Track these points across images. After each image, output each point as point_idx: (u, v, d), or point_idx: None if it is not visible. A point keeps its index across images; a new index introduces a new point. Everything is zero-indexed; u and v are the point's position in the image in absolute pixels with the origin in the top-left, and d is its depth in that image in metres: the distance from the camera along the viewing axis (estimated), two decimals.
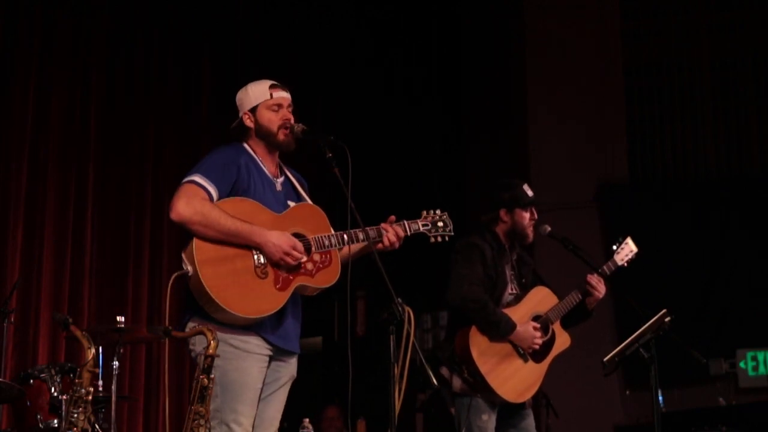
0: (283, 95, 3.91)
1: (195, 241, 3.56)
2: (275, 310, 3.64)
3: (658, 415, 4.46)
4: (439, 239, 4.08)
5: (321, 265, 3.75)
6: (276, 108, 3.87)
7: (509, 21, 10.50)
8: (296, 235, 3.71)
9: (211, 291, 3.50)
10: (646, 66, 10.10)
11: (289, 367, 3.83)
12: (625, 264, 4.99)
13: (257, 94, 3.89)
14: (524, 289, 4.88)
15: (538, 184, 9.77)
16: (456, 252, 4.77)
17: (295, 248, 3.63)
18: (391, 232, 3.86)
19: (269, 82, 3.91)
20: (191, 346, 3.66)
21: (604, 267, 4.92)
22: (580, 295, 4.84)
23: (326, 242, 3.76)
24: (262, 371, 3.67)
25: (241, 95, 3.93)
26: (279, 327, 3.71)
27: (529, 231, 4.87)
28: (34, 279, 7.06)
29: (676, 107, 9.98)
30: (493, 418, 4.66)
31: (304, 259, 3.68)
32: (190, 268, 3.54)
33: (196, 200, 3.57)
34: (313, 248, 3.72)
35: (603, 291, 4.83)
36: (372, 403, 4.91)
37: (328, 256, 3.78)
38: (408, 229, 3.97)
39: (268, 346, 3.68)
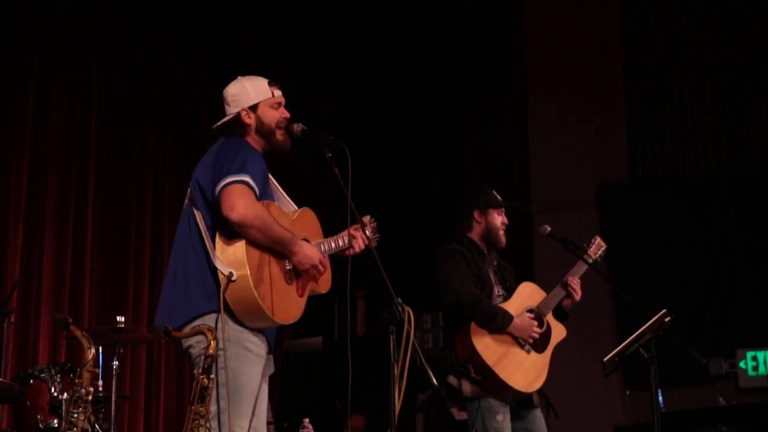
0: (280, 93, 3.87)
1: (246, 246, 3.50)
2: (300, 317, 3.67)
3: (658, 415, 4.46)
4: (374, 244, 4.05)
5: (317, 274, 3.77)
6: (276, 106, 3.84)
7: (509, 21, 10.50)
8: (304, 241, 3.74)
9: (260, 298, 3.47)
10: (646, 66, 10.10)
11: (270, 364, 3.83)
12: (599, 259, 5.07)
13: (258, 91, 3.82)
14: (510, 293, 4.93)
15: (538, 184, 9.83)
16: (439, 259, 4.85)
17: (322, 262, 3.68)
18: (359, 239, 3.87)
19: (266, 80, 3.87)
20: (193, 343, 3.60)
21: (577, 266, 4.96)
22: (562, 291, 4.89)
23: (323, 248, 3.79)
24: (261, 373, 3.67)
25: (236, 90, 3.83)
26: (273, 330, 3.75)
27: (501, 234, 4.95)
28: (34, 279, 7.06)
29: (676, 107, 9.97)
30: (507, 417, 4.69)
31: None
32: (234, 272, 3.48)
33: (256, 203, 3.51)
34: None
35: (580, 294, 4.90)
36: (372, 403, 4.92)
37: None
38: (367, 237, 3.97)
39: (267, 348, 3.69)
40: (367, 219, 4.04)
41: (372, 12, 10.04)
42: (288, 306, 3.60)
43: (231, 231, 3.52)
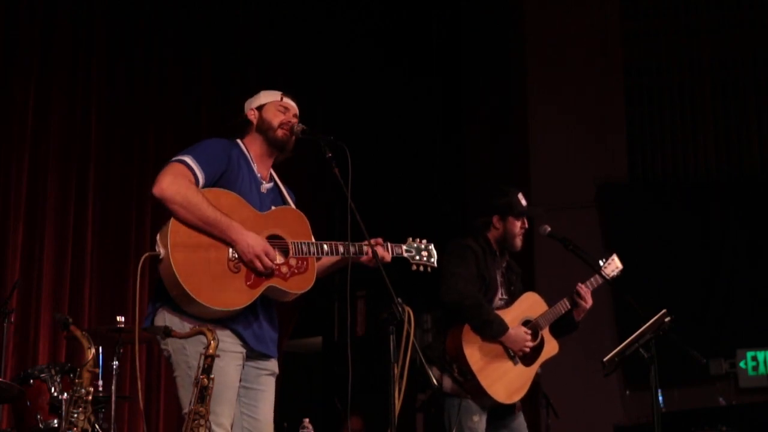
0: (292, 103, 3.94)
1: (172, 223, 3.48)
2: (243, 306, 3.57)
3: (658, 415, 4.46)
4: (421, 268, 4.04)
5: (296, 271, 3.69)
6: (282, 110, 3.88)
7: (509, 21, 10.50)
8: (275, 237, 3.68)
9: (179, 276, 3.42)
10: (646, 66, 10.10)
11: (270, 365, 3.79)
12: (611, 279, 5.02)
13: (268, 95, 3.92)
14: (512, 296, 4.91)
15: (538, 184, 9.83)
16: (449, 252, 4.80)
17: (267, 254, 3.57)
18: (380, 251, 3.82)
19: (281, 91, 3.96)
20: (163, 346, 3.61)
21: (592, 279, 4.94)
22: (568, 304, 4.86)
23: (305, 249, 3.71)
24: (238, 369, 3.62)
25: (250, 99, 3.96)
26: (253, 329, 3.67)
27: (518, 240, 4.92)
28: (34, 279, 7.06)
29: (676, 107, 9.98)
30: (484, 419, 4.68)
31: (280, 261, 3.64)
32: (162, 251, 3.47)
33: (182, 180, 3.51)
34: (291, 252, 3.68)
35: (590, 303, 4.87)
36: (372, 403, 4.92)
37: (305, 262, 3.72)
38: (391, 252, 3.94)
39: (242, 343, 3.63)
40: (421, 241, 4.02)
41: (372, 12, 10.04)
42: (223, 292, 3.51)
43: (168, 213, 3.53)
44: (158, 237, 3.53)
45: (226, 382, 3.55)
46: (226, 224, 3.53)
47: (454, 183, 10.32)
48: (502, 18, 10.55)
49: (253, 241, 3.55)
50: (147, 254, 3.49)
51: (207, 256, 3.52)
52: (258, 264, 3.55)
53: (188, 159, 3.57)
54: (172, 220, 3.50)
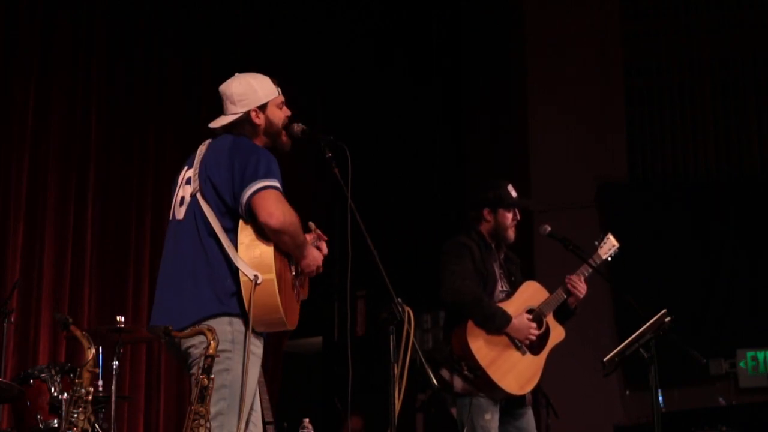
0: (280, 91, 3.82)
1: (274, 251, 3.46)
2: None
3: (658, 415, 4.46)
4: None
5: (304, 281, 3.77)
6: (281, 106, 3.78)
7: (509, 21, 10.50)
8: None
9: (282, 304, 3.44)
10: (646, 66, 10.11)
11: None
12: (609, 258, 5.03)
13: (266, 90, 3.73)
14: (514, 287, 4.92)
15: (538, 184, 9.84)
16: (445, 252, 4.82)
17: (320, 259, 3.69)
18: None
19: (269, 78, 3.79)
20: (195, 343, 3.50)
21: (590, 260, 4.93)
22: (563, 294, 4.87)
23: None
24: (258, 374, 3.64)
25: (242, 89, 3.72)
26: None
27: (511, 232, 4.92)
28: (34, 279, 7.06)
29: (676, 107, 9.98)
30: (496, 417, 4.68)
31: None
32: (260, 276, 3.42)
33: (291, 210, 3.49)
34: None
35: (584, 290, 4.86)
36: (372, 403, 4.92)
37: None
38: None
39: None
40: (313, 225, 3.93)
41: (372, 12, 10.04)
42: (294, 313, 3.59)
43: (256, 234, 3.46)
44: (244, 257, 3.44)
45: (252, 388, 3.56)
46: (306, 242, 3.61)
47: (454, 183, 10.32)
48: (502, 18, 10.55)
49: (315, 252, 3.66)
50: (251, 281, 3.40)
51: (286, 278, 3.56)
52: (318, 271, 3.67)
53: (277, 183, 3.49)
54: (274, 248, 3.46)
